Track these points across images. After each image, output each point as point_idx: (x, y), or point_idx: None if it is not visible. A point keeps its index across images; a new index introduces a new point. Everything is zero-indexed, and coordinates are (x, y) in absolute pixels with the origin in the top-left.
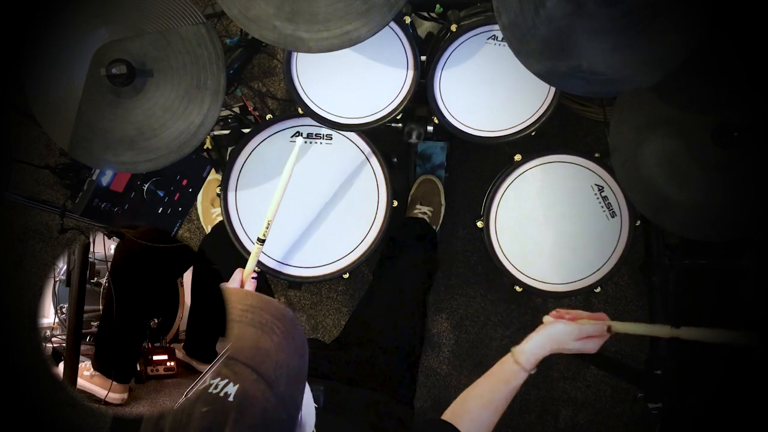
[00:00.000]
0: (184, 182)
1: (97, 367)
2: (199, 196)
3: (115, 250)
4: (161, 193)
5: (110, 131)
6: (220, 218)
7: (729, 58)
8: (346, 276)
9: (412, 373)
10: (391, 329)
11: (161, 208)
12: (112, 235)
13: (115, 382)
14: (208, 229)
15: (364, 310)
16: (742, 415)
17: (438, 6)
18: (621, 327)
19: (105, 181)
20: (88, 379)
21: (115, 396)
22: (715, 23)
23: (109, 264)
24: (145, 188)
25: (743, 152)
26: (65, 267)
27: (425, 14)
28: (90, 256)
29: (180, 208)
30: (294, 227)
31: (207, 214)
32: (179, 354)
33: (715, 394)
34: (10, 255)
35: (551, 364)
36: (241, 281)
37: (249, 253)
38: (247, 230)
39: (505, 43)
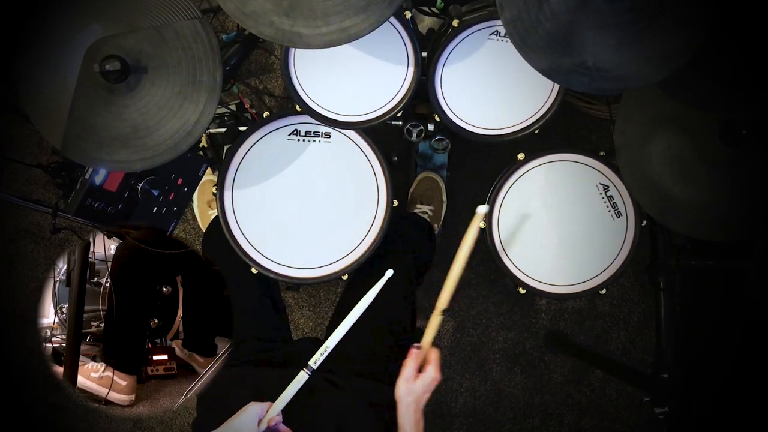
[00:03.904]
0: (180, 181)
1: (112, 362)
2: (195, 197)
3: (117, 249)
4: (156, 193)
5: (104, 129)
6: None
7: (735, 55)
8: (345, 277)
9: (404, 354)
10: (377, 316)
11: (156, 208)
12: (112, 235)
13: (124, 383)
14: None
15: (350, 303)
16: (748, 419)
17: (439, 1)
18: (424, 339)
19: (98, 180)
20: (96, 380)
21: (123, 397)
22: (720, 20)
23: (110, 264)
24: (140, 187)
25: (751, 150)
26: (65, 267)
27: (426, 9)
28: (90, 256)
29: (175, 208)
30: (292, 227)
31: (204, 215)
32: (179, 352)
33: (722, 399)
34: (2, 255)
35: (555, 368)
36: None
37: (246, 255)
38: (243, 230)
39: (508, 39)
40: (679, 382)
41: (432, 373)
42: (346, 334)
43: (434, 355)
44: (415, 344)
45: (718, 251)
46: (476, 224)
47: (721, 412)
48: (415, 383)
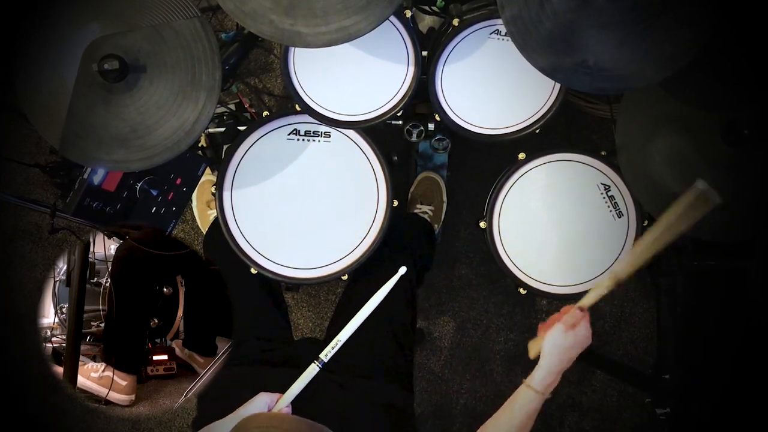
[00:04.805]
0: (178, 181)
1: (112, 362)
2: (194, 198)
3: (117, 250)
4: (155, 192)
5: (102, 129)
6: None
7: (738, 55)
8: (345, 278)
9: (405, 353)
10: (378, 316)
11: (155, 208)
12: (112, 235)
13: (124, 383)
14: (204, 231)
15: (350, 302)
16: (750, 420)
17: (440, 0)
18: (586, 299)
19: (97, 179)
20: (96, 380)
21: (123, 397)
22: (722, 20)
23: (110, 264)
24: (138, 187)
25: (753, 150)
26: (65, 267)
27: (426, 8)
28: (90, 256)
29: (174, 208)
30: (291, 228)
31: (203, 215)
32: (179, 352)
33: (724, 399)
34: (0, 256)
35: None
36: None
37: (246, 255)
38: (243, 230)
39: (509, 38)
40: (681, 382)
41: (584, 332)
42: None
43: (587, 315)
44: (565, 306)
45: (719, 251)
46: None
47: (722, 413)
48: (565, 334)
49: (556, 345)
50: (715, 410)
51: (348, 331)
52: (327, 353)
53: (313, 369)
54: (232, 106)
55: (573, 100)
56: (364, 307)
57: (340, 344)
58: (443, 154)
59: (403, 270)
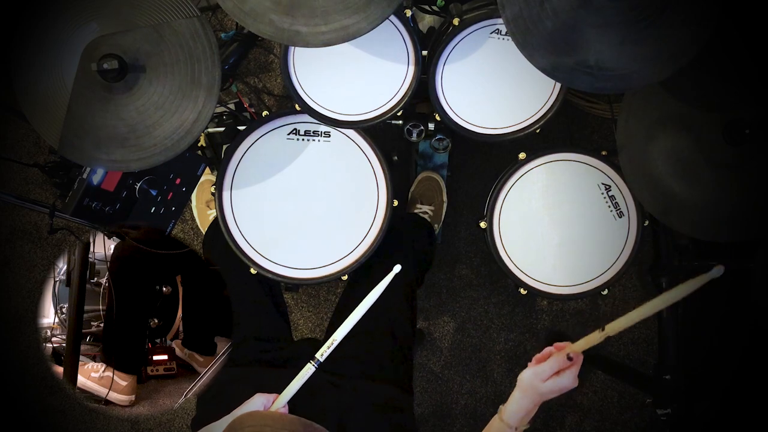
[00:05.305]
0: (178, 181)
1: (112, 362)
2: (194, 198)
3: (116, 249)
4: (154, 192)
5: (101, 128)
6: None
7: (740, 53)
8: (345, 278)
9: (404, 353)
10: (378, 317)
11: (154, 208)
12: (112, 235)
13: (124, 383)
14: (203, 231)
15: (350, 303)
16: (752, 421)
17: None
18: (576, 346)
19: (96, 179)
20: (96, 380)
21: (123, 397)
22: (724, 17)
23: (109, 263)
24: (138, 187)
25: (755, 150)
26: (65, 267)
27: (427, 8)
28: (90, 256)
29: (173, 208)
30: (291, 228)
31: (203, 215)
32: (179, 352)
33: (725, 400)
34: None
35: None
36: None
37: (245, 255)
38: (242, 230)
39: (509, 38)
40: (682, 383)
41: (568, 381)
42: (350, 332)
43: (577, 363)
44: (560, 343)
45: (721, 252)
46: (702, 281)
47: (724, 414)
48: (544, 383)
49: (532, 387)
50: (716, 411)
51: (343, 331)
52: (323, 353)
53: (309, 369)
54: (232, 106)
55: (573, 99)
56: (359, 306)
57: (335, 344)
58: (443, 154)
59: (397, 268)
